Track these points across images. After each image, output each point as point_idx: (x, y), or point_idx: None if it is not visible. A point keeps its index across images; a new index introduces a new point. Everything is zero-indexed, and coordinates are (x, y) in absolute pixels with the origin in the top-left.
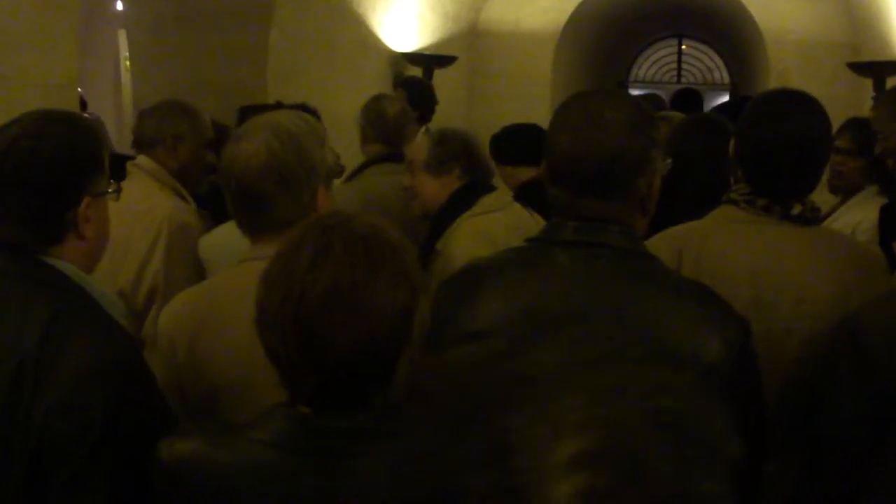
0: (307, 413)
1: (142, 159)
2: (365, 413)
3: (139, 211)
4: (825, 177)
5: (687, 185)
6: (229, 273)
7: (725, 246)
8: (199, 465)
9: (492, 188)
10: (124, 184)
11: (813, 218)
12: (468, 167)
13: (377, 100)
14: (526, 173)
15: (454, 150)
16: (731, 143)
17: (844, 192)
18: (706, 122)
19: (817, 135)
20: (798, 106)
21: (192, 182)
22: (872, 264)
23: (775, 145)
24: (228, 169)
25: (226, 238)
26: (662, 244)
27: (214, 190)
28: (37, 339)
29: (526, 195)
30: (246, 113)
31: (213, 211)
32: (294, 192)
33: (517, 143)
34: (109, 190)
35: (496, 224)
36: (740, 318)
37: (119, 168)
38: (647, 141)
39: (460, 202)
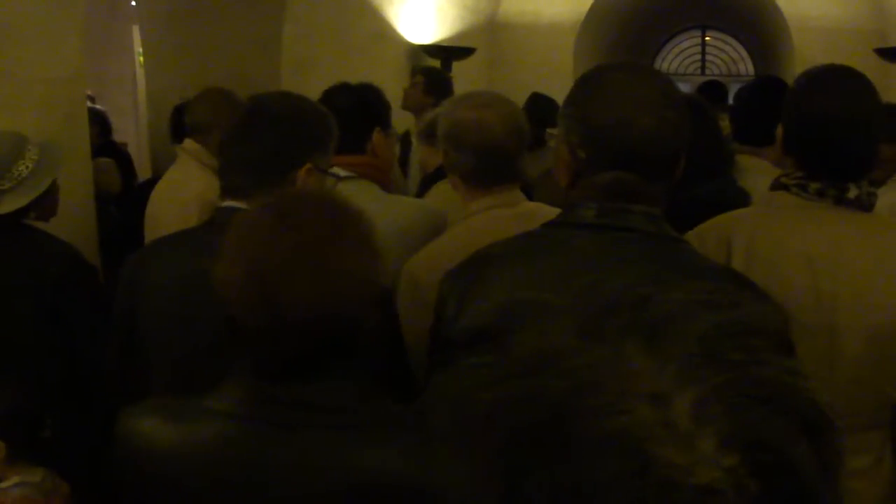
0: (263, 382)
1: (187, 143)
2: (323, 385)
3: (176, 191)
4: None
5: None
6: (474, 221)
7: (779, 233)
8: (150, 441)
9: None
10: (172, 168)
11: (869, 203)
12: None
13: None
14: None
15: None
16: (779, 127)
17: (880, 183)
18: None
19: (874, 110)
20: (851, 81)
21: None
22: None
23: (836, 123)
24: (472, 132)
25: None
26: (710, 234)
27: None
28: None
29: None
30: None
31: None
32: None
33: None
34: (329, 171)
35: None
36: (776, 306)
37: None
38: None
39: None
